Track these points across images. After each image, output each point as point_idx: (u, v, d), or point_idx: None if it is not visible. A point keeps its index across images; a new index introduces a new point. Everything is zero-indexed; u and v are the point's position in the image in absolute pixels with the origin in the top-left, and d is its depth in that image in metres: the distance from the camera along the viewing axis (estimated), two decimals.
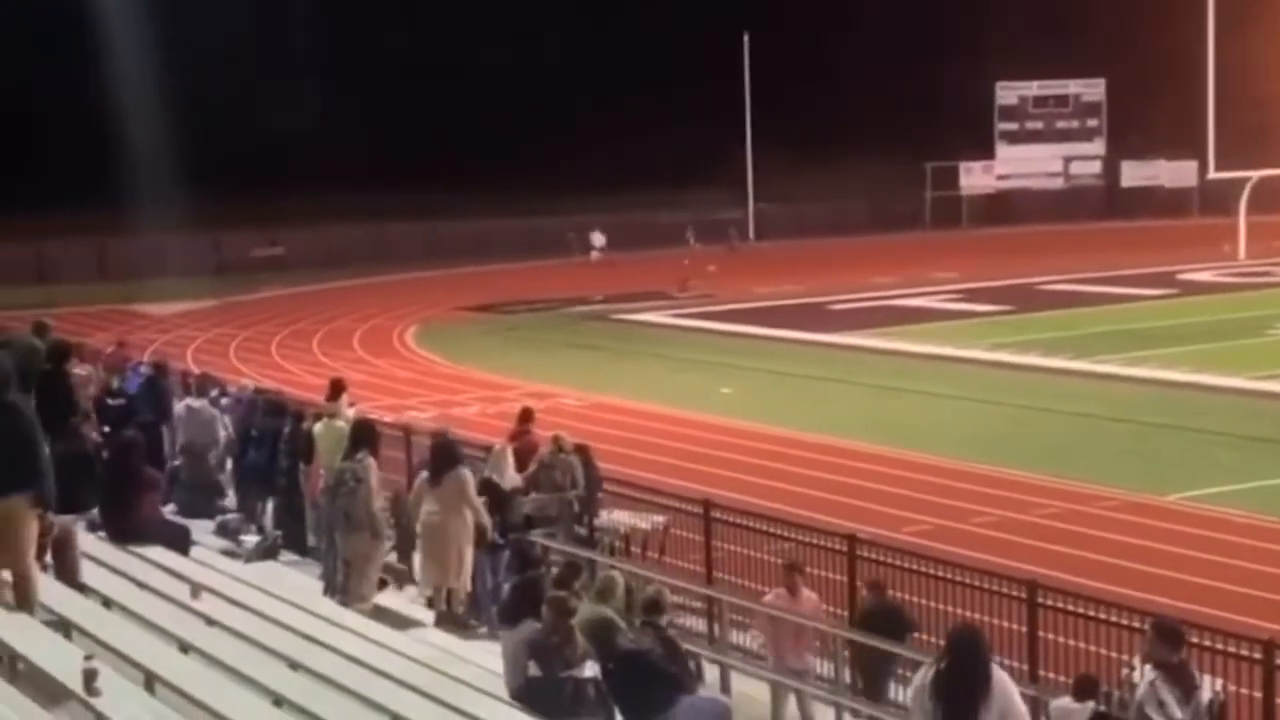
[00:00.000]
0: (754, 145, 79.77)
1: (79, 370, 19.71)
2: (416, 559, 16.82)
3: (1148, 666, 11.04)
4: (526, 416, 21.10)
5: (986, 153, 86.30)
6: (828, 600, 15.69)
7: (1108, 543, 21.44)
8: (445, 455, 16.10)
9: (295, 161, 76.11)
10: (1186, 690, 10.86)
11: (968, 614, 13.77)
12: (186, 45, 71.88)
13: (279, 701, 10.07)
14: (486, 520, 15.96)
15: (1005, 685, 9.82)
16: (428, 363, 42.37)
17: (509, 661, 12.03)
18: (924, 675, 9.98)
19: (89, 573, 13.11)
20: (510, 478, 16.88)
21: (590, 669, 11.77)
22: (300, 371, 39.17)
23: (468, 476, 15.85)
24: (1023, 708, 9.90)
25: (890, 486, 25.16)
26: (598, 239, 72.00)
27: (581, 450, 18.66)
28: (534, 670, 11.88)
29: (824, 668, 14.98)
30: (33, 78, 74.98)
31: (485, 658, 13.88)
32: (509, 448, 17.71)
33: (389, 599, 16.07)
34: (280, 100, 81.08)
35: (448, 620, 15.58)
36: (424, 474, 16.11)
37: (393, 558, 17.33)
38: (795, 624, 14.63)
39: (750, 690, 14.78)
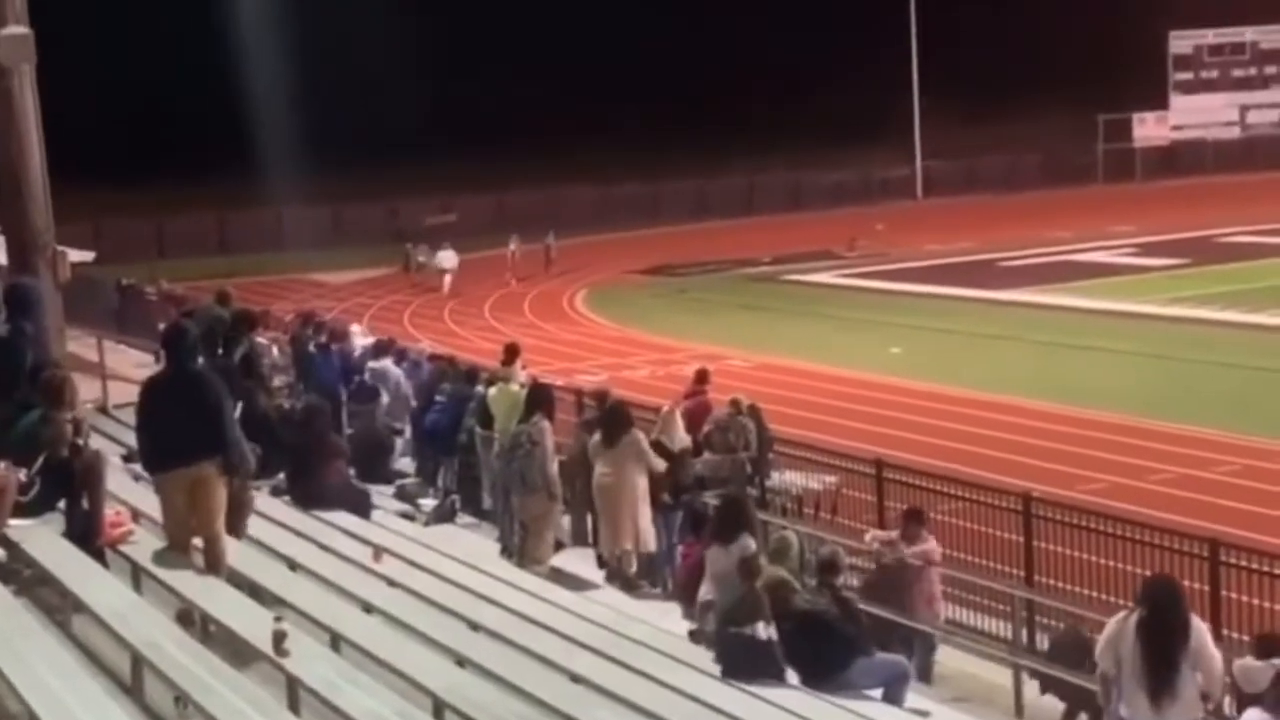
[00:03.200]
0: (921, 100, 78.89)
1: (262, 339, 20.24)
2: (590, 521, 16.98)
3: None
4: (702, 378, 21.14)
5: (1160, 103, 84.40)
6: (1005, 561, 15.58)
7: (1256, 493, 21.01)
8: (618, 417, 16.24)
9: (470, 128, 76.93)
10: None
11: (1147, 573, 13.56)
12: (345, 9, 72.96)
13: (461, 661, 10.27)
14: (661, 466, 16.03)
15: (1201, 632, 10.04)
16: (597, 326, 42.65)
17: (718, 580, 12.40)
18: (1120, 623, 10.16)
19: (275, 537, 13.45)
20: (680, 439, 16.95)
21: (764, 631, 11.88)
22: (472, 336, 39.66)
23: (641, 437, 15.98)
24: (1216, 653, 10.08)
25: (1065, 444, 24.86)
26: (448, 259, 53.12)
27: (753, 411, 18.68)
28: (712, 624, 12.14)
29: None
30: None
31: (659, 618, 14.02)
32: (678, 409, 17.78)
33: (564, 560, 16.26)
34: (454, 68, 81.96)
35: (618, 579, 15.74)
36: (596, 436, 16.25)
37: (567, 519, 17.50)
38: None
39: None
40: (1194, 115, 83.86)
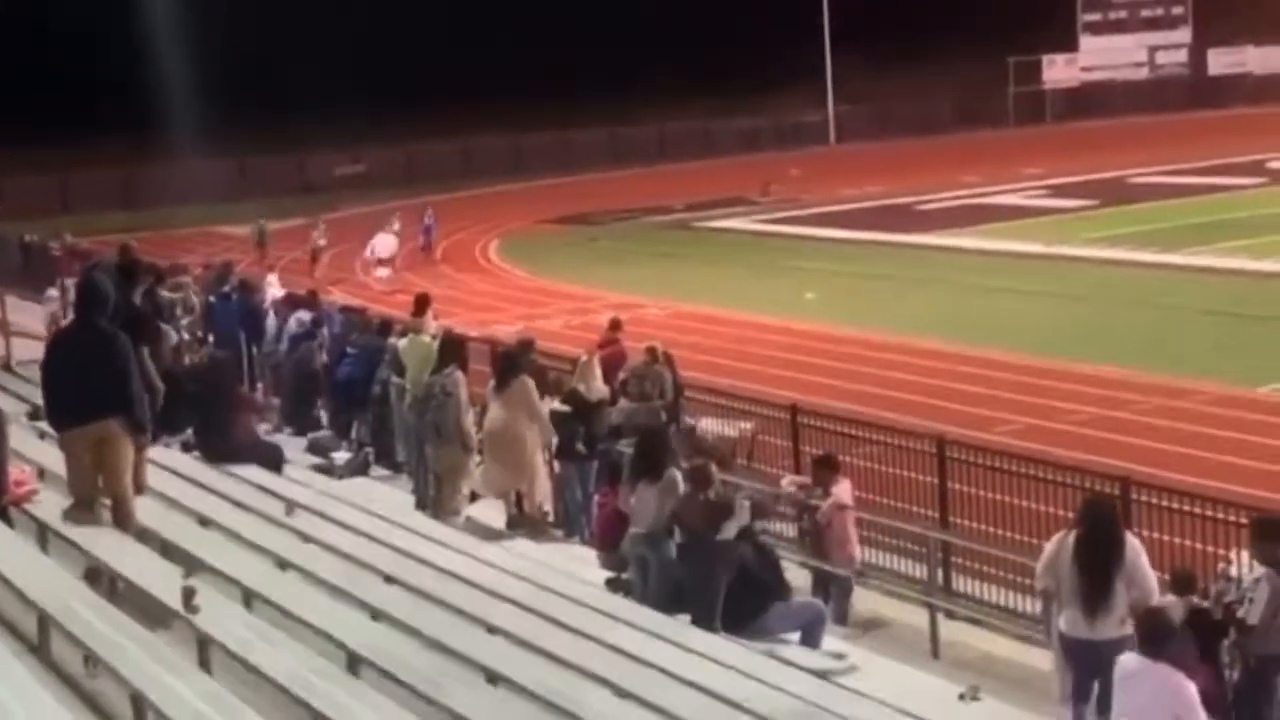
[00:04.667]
0: (833, 46, 78.90)
1: (169, 293, 19.95)
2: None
3: (1254, 563, 10.99)
4: (615, 326, 21.07)
5: (1070, 45, 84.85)
6: (919, 503, 15.64)
7: (1202, 437, 21.22)
8: (509, 362, 16.14)
9: (380, 79, 76.17)
10: None
11: (1061, 512, 13.65)
12: None
13: (376, 615, 10.17)
14: (550, 432, 15.95)
15: (1135, 550, 10.65)
16: (511, 276, 42.44)
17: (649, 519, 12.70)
18: (1059, 543, 10.81)
19: (185, 493, 13.28)
20: (597, 389, 16.87)
21: (729, 529, 11.98)
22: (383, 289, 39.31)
23: (531, 384, 15.85)
24: (1149, 571, 10.65)
25: (980, 387, 24.99)
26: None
27: (666, 358, 18.65)
28: (680, 537, 12.21)
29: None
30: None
31: (578, 567, 13.98)
32: (595, 358, 17.69)
33: (479, 511, 16.16)
34: (363, 18, 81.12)
35: (519, 524, 15.65)
36: (491, 382, 16.16)
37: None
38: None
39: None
40: (1103, 57, 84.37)
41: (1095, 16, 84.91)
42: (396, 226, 41.48)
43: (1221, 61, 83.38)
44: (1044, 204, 49.33)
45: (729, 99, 76.54)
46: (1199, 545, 12.82)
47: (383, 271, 40.09)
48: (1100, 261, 37.59)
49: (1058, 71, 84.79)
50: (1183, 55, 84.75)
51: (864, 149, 73.99)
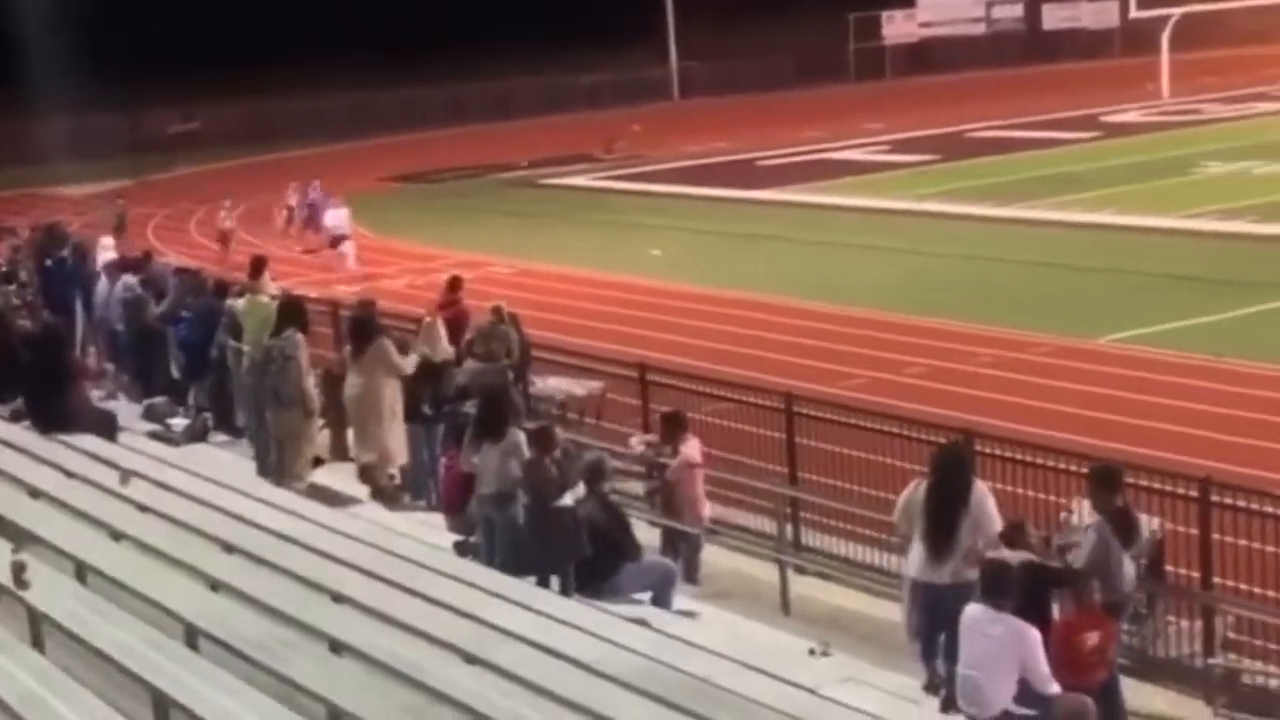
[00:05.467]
0: (675, 1, 78.80)
1: None
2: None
3: (1090, 512, 11.15)
4: (455, 285, 20.84)
5: (908, 1, 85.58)
6: (768, 459, 15.65)
7: (1042, 388, 21.50)
8: (364, 327, 15.91)
9: (219, 36, 74.67)
10: (1129, 535, 10.93)
11: (907, 465, 13.72)
12: None
13: (215, 585, 9.92)
14: (409, 369, 15.76)
15: (981, 497, 10.95)
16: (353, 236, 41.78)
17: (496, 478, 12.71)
18: (913, 490, 11.18)
19: (15, 464, 12.87)
20: (442, 350, 16.66)
21: (570, 497, 11.94)
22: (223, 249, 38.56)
23: (388, 345, 15.64)
24: (996, 516, 10.95)
25: (825, 342, 25.10)
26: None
27: (511, 318, 18.48)
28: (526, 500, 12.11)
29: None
30: None
31: (425, 532, 13.79)
32: (439, 319, 17.47)
33: (324, 476, 15.89)
34: None
35: (379, 494, 15.47)
36: (347, 348, 15.91)
37: (326, 434, 17.11)
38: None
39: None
40: (941, 12, 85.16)
41: None
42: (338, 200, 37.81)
43: (1055, 16, 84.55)
44: (885, 159, 49.73)
45: (572, 55, 76.15)
46: (1042, 495, 12.96)
47: (346, 248, 35.72)
48: (940, 216, 37.96)
49: (897, 27, 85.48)
50: (1018, 10, 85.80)
51: (707, 105, 74.09)
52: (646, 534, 13.95)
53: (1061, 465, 12.94)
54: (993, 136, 52.70)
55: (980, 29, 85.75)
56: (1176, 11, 59.99)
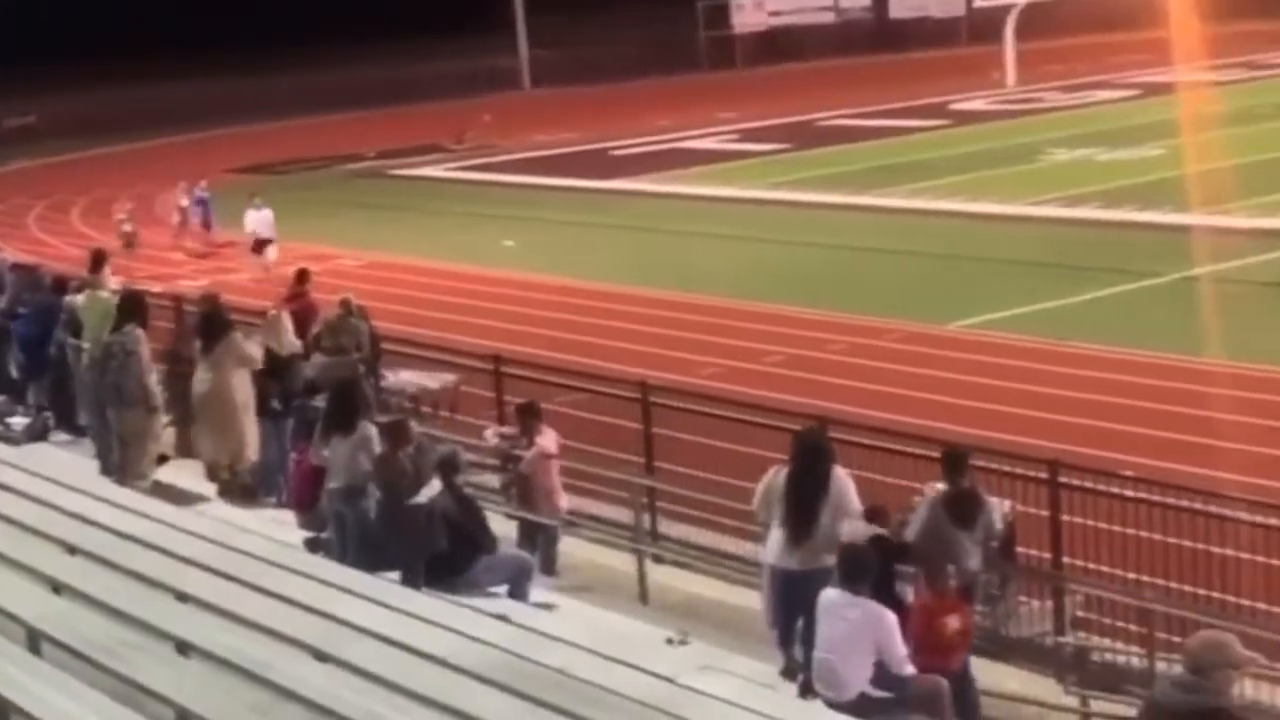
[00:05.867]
0: None
1: None
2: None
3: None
4: (302, 278, 20.55)
5: None
6: (625, 449, 15.57)
7: (896, 374, 21.67)
8: (214, 322, 15.60)
9: (57, 29, 73.07)
10: (965, 515, 11.01)
11: (763, 453, 13.72)
12: None
13: (57, 588, 9.63)
14: (260, 361, 15.49)
15: (841, 482, 10.96)
16: (195, 228, 40.99)
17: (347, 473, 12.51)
18: (773, 475, 11.15)
19: None
20: (289, 343, 16.38)
21: (426, 493, 11.74)
22: (63, 245, 37.68)
23: (239, 339, 15.36)
24: (855, 501, 10.98)
25: (681, 331, 25.11)
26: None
27: (361, 311, 18.24)
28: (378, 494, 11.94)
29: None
30: None
31: (274, 529, 13.53)
32: (285, 312, 17.17)
33: (170, 474, 15.55)
34: None
35: (232, 491, 15.17)
36: (197, 344, 15.59)
37: (170, 431, 16.74)
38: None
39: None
40: (790, 1, 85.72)
41: None
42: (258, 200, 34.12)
43: (903, 5, 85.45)
44: (737, 147, 49.92)
45: (421, 45, 75.57)
46: (897, 480, 13.03)
47: (270, 250, 32.85)
48: (793, 204, 38.16)
49: (746, 16, 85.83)
50: (866, 0, 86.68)
51: (558, 94, 73.84)
52: (503, 526, 13.82)
53: (914, 450, 13.00)
54: (843, 125, 53.12)
55: (829, 18, 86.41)
56: (1020, 1, 60.87)
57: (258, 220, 33.56)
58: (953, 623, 10.15)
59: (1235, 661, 6.83)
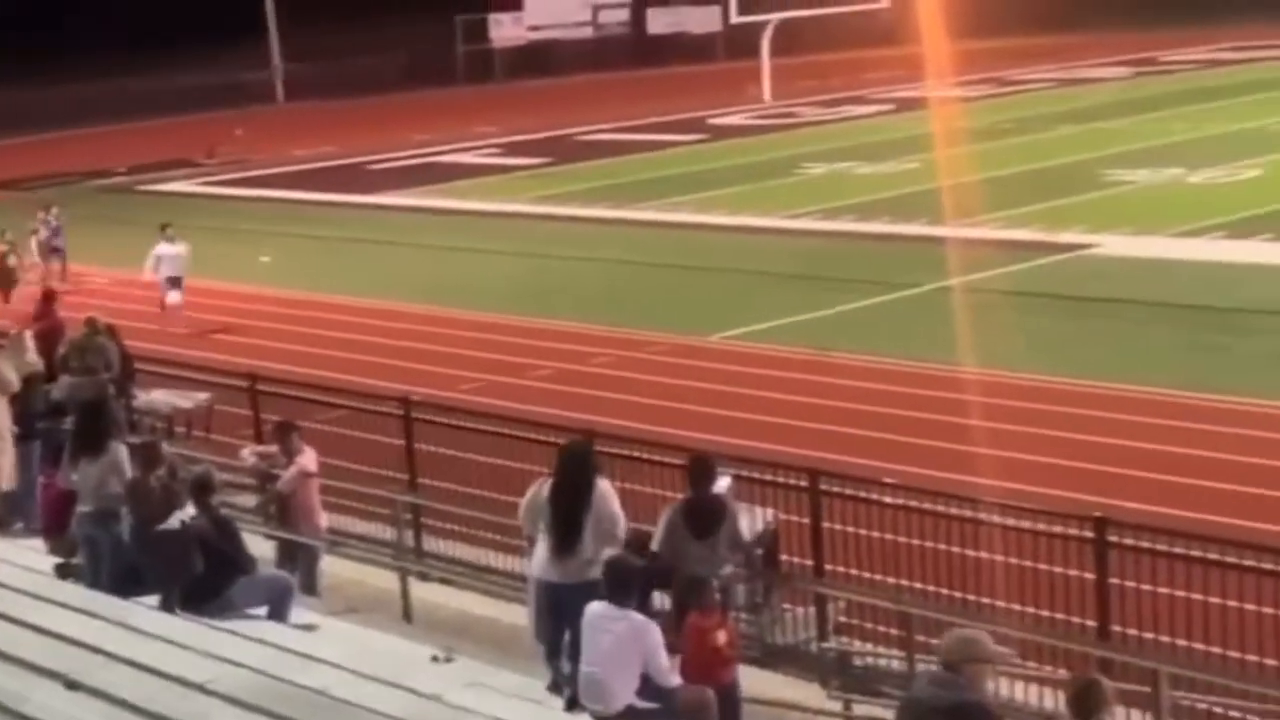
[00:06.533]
0: (277, 3, 77.29)
1: None
2: None
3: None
4: (49, 298, 19.95)
5: (516, 4, 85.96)
6: (389, 465, 15.37)
7: (660, 386, 21.78)
8: None
9: None
10: (703, 524, 11.06)
11: (528, 467, 13.65)
12: None
13: None
14: (16, 384, 14.91)
15: (604, 493, 10.85)
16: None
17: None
18: (538, 488, 11.06)
19: None
20: (29, 363, 15.81)
21: (180, 515, 11.41)
22: None
23: None
24: (619, 514, 10.85)
25: (443, 346, 24.92)
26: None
27: (109, 330, 17.73)
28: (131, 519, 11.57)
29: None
30: None
31: (23, 555, 13.06)
32: (27, 332, 16.61)
33: None
34: None
35: None
36: None
37: None
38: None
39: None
40: (548, 15, 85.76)
41: None
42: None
43: (660, 21, 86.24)
44: (497, 162, 49.81)
45: (171, 57, 73.88)
46: (662, 491, 13.06)
47: (174, 296, 28.07)
48: (555, 218, 38.19)
49: (505, 30, 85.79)
50: (624, 14, 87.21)
51: (313, 108, 72.88)
52: (262, 547, 13.52)
53: (678, 461, 13.04)
54: (604, 139, 53.37)
55: (588, 32, 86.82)
56: (775, 17, 61.83)
57: (172, 261, 28.18)
58: (720, 637, 10.19)
59: (986, 656, 7.13)
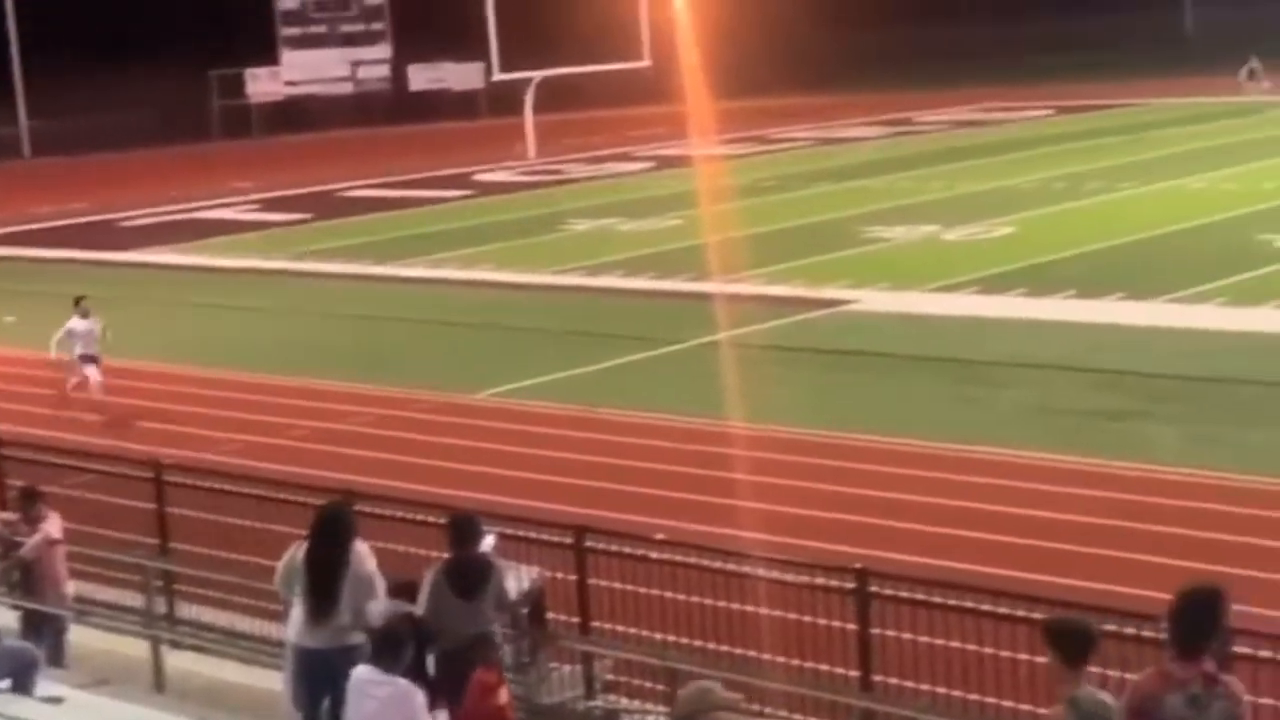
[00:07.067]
0: (23, 56, 75.19)
1: None
2: None
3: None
4: None
5: (272, 59, 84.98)
6: (141, 531, 14.86)
7: (425, 444, 21.49)
8: None
9: None
10: (468, 583, 10.90)
11: (287, 530, 13.29)
12: None
13: None
14: None
15: (361, 555, 10.75)
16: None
17: None
18: (294, 551, 10.93)
19: None
20: None
21: None
22: None
23: None
24: (376, 576, 10.78)
25: (201, 407, 24.27)
26: None
27: None
28: None
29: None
30: None
31: None
32: None
33: None
34: None
35: None
36: None
37: None
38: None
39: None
40: (306, 71, 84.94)
41: (295, 31, 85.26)
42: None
43: (421, 77, 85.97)
44: (257, 218, 48.98)
45: None
46: (427, 551, 12.82)
47: (92, 371, 24.60)
48: (316, 275, 37.63)
49: (262, 85, 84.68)
50: (384, 70, 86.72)
51: (63, 163, 70.78)
52: (5, 617, 12.97)
53: (442, 520, 12.80)
54: (366, 195, 52.85)
55: (347, 88, 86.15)
56: (537, 74, 62.03)
57: (82, 330, 24.88)
58: (503, 696, 10.06)
59: (720, 704, 7.27)
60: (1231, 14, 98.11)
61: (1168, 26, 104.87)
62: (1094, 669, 8.04)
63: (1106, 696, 7.77)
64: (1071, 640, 7.75)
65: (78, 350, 24.72)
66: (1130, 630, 9.73)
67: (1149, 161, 48.14)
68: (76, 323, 25.03)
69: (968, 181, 46.30)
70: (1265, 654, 9.43)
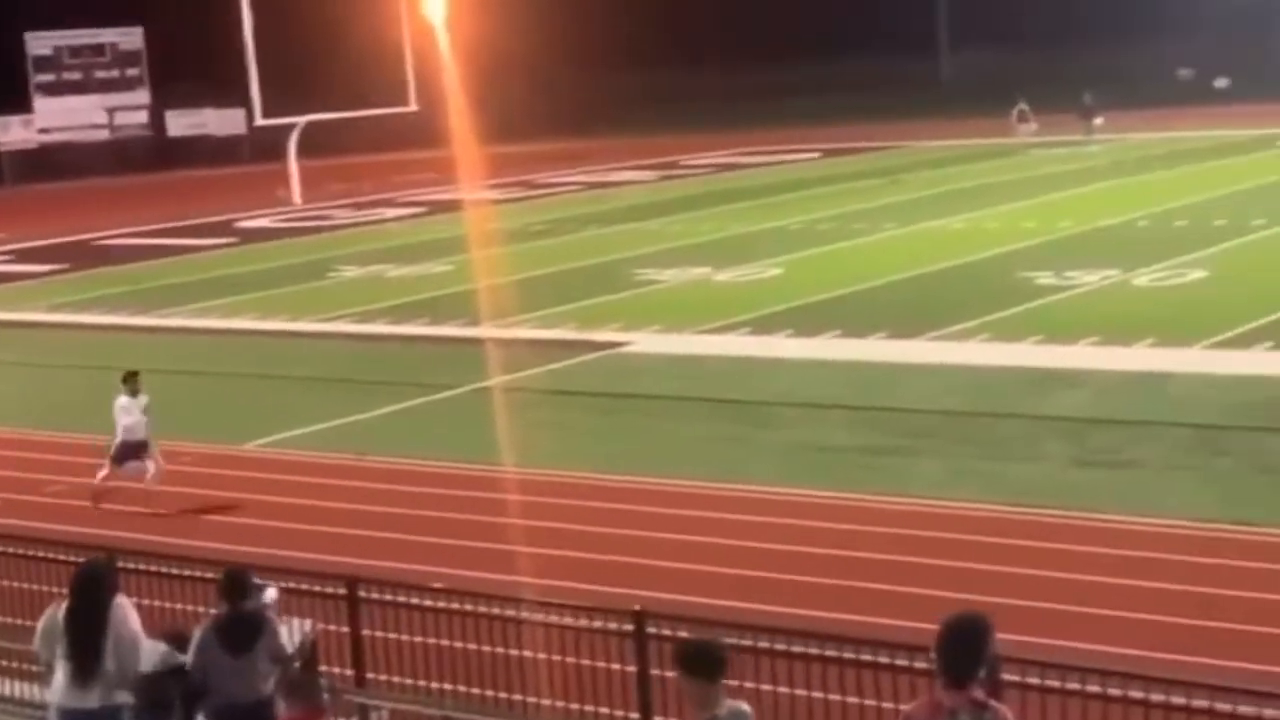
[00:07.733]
0: None
1: None
2: None
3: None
4: None
5: (25, 106, 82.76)
6: None
7: (190, 497, 20.97)
8: None
9: None
10: (239, 639, 10.70)
11: (46, 589, 12.89)
12: None
13: None
14: None
15: (123, 613, 10.53)
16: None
17: None
18: (53, 611, 10.70)
19: None
20: None
21: None
22: None
23: None
24: (138, 631, 10.57)
25: None
26: None
27: None
28: None
29: None
30: None
31: None
32: None
33: None
34: None
35: None
36: None
37: None
38: None
39: None
40: (61, 118, 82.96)
41: (49, 78, 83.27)
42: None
43: (181, 123, 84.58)
44: (7, 269, 47.52)
45: None
46: (195, 607, 12.54)
47: (149, 467, 21.01)
48: (74, 326, 36.63)
49: (14, 134, 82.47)
50: (143, 116, 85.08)
51: None
52: None
53: (212, 575, 12.54)
54: (125, 244, 51.68)
55: (104, 135, 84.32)
56: (301, 119, 61.34)
57: (133, 422, 21.18)
58: None
59: None
60: (988, 60, 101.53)
61: (924, 72, 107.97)
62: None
63: (744, 705, 7.97)
64: (714, 663, 7.86)
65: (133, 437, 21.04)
66: (902, 662, 9.89)
67: (912, 202, 49.36)
68: (125, 401, 21.29)
69: (737, 224, 46.94)
70: (1033, 680, 9.66)
